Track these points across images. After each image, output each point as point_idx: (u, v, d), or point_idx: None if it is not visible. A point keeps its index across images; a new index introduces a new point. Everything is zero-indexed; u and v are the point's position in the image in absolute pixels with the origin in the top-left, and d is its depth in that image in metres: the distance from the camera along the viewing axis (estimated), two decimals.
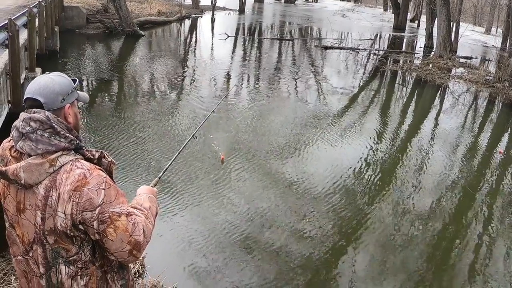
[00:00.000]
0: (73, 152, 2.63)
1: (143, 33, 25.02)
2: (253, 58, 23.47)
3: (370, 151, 11.86)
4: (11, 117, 8.97)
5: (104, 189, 2.55)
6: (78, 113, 2.84)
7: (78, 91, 2.84)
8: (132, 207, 2.82)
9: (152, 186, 3.31)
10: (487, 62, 27.60)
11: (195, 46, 25.60)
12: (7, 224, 2.79)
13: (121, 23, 24.75)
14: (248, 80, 18.60)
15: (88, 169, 2.56)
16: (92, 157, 2.73)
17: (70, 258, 2.68)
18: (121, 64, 18.93)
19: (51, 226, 2.57)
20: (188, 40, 27.20)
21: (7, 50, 8.02)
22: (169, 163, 3.93)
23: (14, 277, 5.61)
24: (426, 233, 8.34)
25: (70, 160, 2.57)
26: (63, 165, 2.55)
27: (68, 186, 2.50)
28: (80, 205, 2.50)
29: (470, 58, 27.30)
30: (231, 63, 21.22)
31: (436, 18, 28.18)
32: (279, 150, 11.01)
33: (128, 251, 2.64)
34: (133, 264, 5.97)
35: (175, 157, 4.03)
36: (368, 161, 11.18)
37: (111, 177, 2.79)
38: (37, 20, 12.19)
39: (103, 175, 2.61)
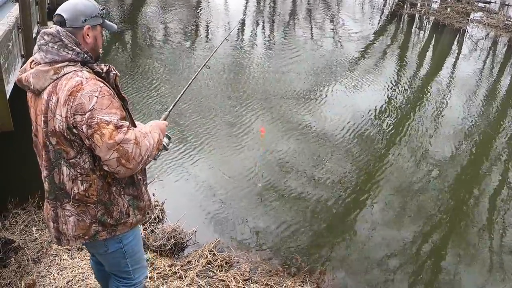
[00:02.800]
0: (79, 64, 2.88)
1: None
2: (268, 3, 23.15)
3: (387, 97, 11.78)
4: None
5: (97, 97, 2.75)
6: (100, 38, 3.09)
7: (105, 20, 3.12)
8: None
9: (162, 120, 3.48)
10: (506, 6, 27.01)
11: None
12: (33, 133, 3.08)
13: None
14: (263, 27, 18.40)
15: (86, 78, 2.79)
16: (100, 70, 2.95)
17: (70, 161, 2.91)
18: (134, 14, 18.78)
19: (52, 128, 2.84)
20: None
21: (17, 3, 7.96)
22: (180, 94, 4.03)
23: (35, 228, 5.70)
24: (444, 178, 8.35)
25: (74, 70, 2.82)
26: (66, 73, 2.81)
27: (65, 91, 2.75)
28: (73, 108, 2.73)
29: (489, 2, 26.64)
30: (245, 9, 20.96)
31: None
32: (295, 96, 11.00)
33: (116, 159, 2.80)
34: (154, 209, 6.04)
35: (186, 88, 4.09)
36: (385, 107, 11.12)
37: (117, 90, 3.02)
38: None
39: (99, 84, 2.81)
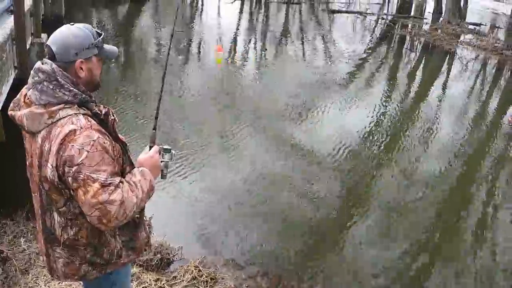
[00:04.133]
0: (76, 106, 2.68)
1: None
2: (260, 21, 23.33)
3: (377, 115, 11.87)
4: (17, 82, 9.02)
5: (88, 151, 2.57)
6: (98, 68, 2.85)
7: (103, 47, 2.85)
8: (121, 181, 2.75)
9: (150, 145, 3.16)
10: (496, 29, 27.34)
11: (202, 10, 25.42)
12: (27, 163, 2.92)
13: None
14: (255, 44, 18.53)
15: (81, 127, 2.60)
16: (99, 112, 2.77)
17: (60, 209, 2.78)
18: (127, 29, 18.82)
19: (44, 174, 2.69)
20: (194, 4, 26.98)
21: (13, 16, 8.04)
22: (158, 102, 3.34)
23: (23, 239, 5.73)
24: (431, 199, 8.41)
25: (69, 115, 2.63)
26: (61, 118, 2.63)
27: (58, 140, 2.58)
28: (63, 158, 2.58)
29: (479, 24, 26.99)
30: (238, 27, 21.11)
31: None
32: (286, 112, 11.07)
33: (97, 218, 2.63)
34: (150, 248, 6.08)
35: (162, 88, 3.41)
36: (375, 125, 11.22)
37: (115, 134, 2.84)
38: None
39: (93, 137, 2.61)
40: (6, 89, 6.97)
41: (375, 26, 24.80)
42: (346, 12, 27.07)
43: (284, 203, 7.54)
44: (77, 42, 2.71)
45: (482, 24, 27.34)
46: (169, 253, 5.81)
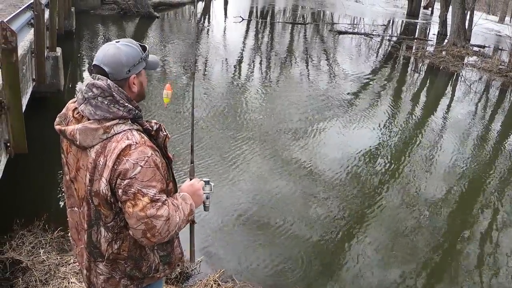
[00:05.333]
0: (130, 122, 2.74)
1: (157, 14, 24.99)
2: (266, 41, 23.44)
3: (381, 137, 11.91)
4: (36, 95, 9.11)
5: (141, 167, 2.63)
6: (146, 80, 2.93)
7: (147, 58, 2.89)
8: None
9: (190, 178, 3.25)
10: (500, 51, 27.54)
11: (210, 29, 25.59)
12: (67, 177, 2.94)
13: (136, 4, 24.62)
14: (260, 64, 18.59)
15: (136, 143, 2.66)
16: (150, 128, 2.83)
17: (108, 224, 2.81)
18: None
19: (96, 189, 2.72)
20: (202, 23, 27.20)
21: (33, 29, 8.17)
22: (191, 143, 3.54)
23: (42, 250, 5.78)
24: (435, 221, 8.41)
25: (124, 130, 2.69)
26: (116, 133, 2.67)
27: (114, 155, 2.62)
28: (117, 171, 2.62)
29: (484, 46, 27.21)
30: (244, 47, 21.21)
31: (451, 6, 28.09)
32: (290, 133, 11.09)
33: (142, 231, 2.69)
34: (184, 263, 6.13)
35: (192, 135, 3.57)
36: (379, 147, 11.24)
37: (165, 150, 2.91)
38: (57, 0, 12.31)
39: (147, 153, 2.67)
40: (25, 101, 7.05)
41: (380, 47, 24.94)
42: (352, 33, 27.23)
43: (286, 223, 7.56)
44: (129, 60, 2.76)
45: (486, 46, 27.56)
46: (187, 267, 5.87)
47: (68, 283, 5.23)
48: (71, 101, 2.91)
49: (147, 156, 2.67)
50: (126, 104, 2.73)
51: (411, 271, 7.03)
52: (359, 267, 6.88)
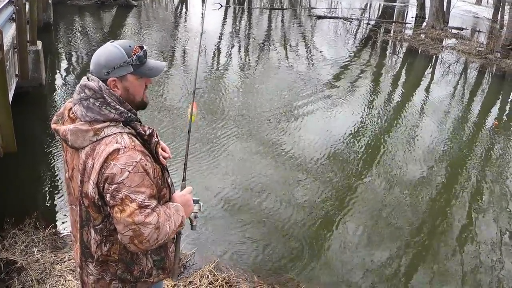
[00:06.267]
0: (121, 124, 2.71)
1: (135, 3, 24.79)
2: (244, 27, 23.39)
3: (361, 120, 11.95)
4: (17, 90, 9.02)
5: (129, 172, 2.60)
6: (137, 87, 2.84)
7: (143, 64, 2.83)
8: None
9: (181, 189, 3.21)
10: (478, 33, 27.73)
11: (188, 16, 25.45)
12: (67, 175, 2.93)
13: None
14: (239, 50, 18.52)
15: (124, 147, 2.63)
16: (143, 132, 2.78)
17: (97, 227, 2.80)
18: (114, 36, 18.70)
19: (85, 190, 2.71)
20: (180, 10, 27.03)
21: (14, 24, 8.06)
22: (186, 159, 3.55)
23: (36, 249, 5.75)
24: (417, 201, 8.49)
25: (114, 133, 2.66)
26: (106, 136, 2.65)
27: (101, 158, 2.60)
28: (104, 175, 2.59)
29: (462, 29, 27.32)
30: (222, 33, 21.12)
31: None
32: (270, 118, 11.08)
33: (129, 237, 2.67)
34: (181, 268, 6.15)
35: (187, 152, 3.65)
36: (359, 130, 11.29)
37: (156, 156, 2.85)
38: None
39: (136, 158, 2.64)
40: (9, 98, 6.98)
41: (358, 31, 24.99)
42: (331, 17, 27.24)
43: (269, 207, 7.60)
44: (108, 62, 2.72)
45: (465, 29, 27.71)
46: (182, 259, 5.89)
47: (65, 281, 5.22)
48: (69, 100, 2.90)
49: (136, 161, 2.63)
50: (118, 106, 2.71)
51: (395, 250, 7.10)
52: (342, 249, 6.96)
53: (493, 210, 8.62)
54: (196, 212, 3.24)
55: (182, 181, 3.30)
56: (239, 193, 7.95)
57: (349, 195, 8.41)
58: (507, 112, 15.25)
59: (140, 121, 2.83)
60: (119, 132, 2.68)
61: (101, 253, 2.87)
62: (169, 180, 3.01)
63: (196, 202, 3.23)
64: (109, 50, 2.73)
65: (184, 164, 3.43)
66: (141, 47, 2.84)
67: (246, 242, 6.78)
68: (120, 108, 2.71)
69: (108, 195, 2.63)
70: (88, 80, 2.74)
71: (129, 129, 2.74)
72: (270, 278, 6.10)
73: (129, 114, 2.74)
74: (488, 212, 8.56)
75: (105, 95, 2.68)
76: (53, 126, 2.85)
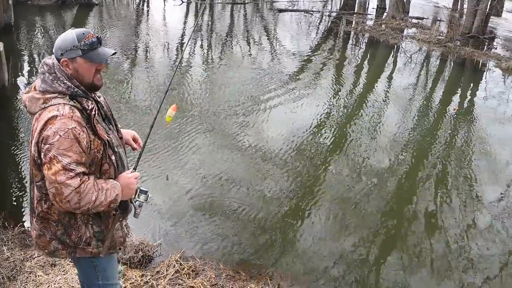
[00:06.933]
0: (68, 98, 3.13)
1: (96, 1, 24.56)
2: (207, 22, 23.36)
3: (326, 111, 12.05)
4: None
5: (60, 136, 2.98)
6: (86, 69, 3.21)
7: (93, 50, 3.20)
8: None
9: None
10: (438, 22, 28.14)
11: (150, 13, 25.33)
12: None
13: None
14: (202, 46, 18.45)
15: (62, 115, 3.03)
16: (86, 107, 3.17)
17: (37, 183, 3.19)
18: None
19: (31, 150, 3.14)
20: (142, 8, 26.89)
21: None
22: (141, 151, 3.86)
23: (5, 247, 5.84)
24: (383, 189, 8.64)
25: (59, 103, 3.08)
26: (52, 105, 3.08)
27: (42, 122, 3.03)
28: (41, 136, 3.02)
29: (422, 18, 27.69)
30: (185, 29, 21.08)
31: None
32: (236, 112, 11.12)
33: (53, 194, 3.03)
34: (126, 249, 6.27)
35: (145, 144, 3.87)
36: (324, 121, 11.39)
37: (96, 130, 3.19)
38: None
39: (69, 125, 3.01)
40: None
41: (320, 23, 25.18)
42: (292, 10, 27.41)
43: (238, 201, 7.67)
44: (62, 44, 3.16)
45: (425, 18, 28.11)
46: (149, 250, 6.07)
47: (35, 276, 5.34)
48: None
49: (68, 128, 3.00)
50: (66, 81, 3.13)
51: (365, 238, 7.21)
52: (313, 237, 7.05)
53: (458, 194, 8.84)
54: (142, 202, 3.53)
55: (134, 169, 3.54)
56: (207, 186, 7.99)
57: (317, 185, 8.50)
58: (468, 98, 15.57)
59: (90, 98, 3.24)
60: (63, 103, 3.09)
61: (41, 209, 3.24)
62: (113, 158, 3.32)
63: (144, 192, 3.54)
64: (65, 35, 3.18)
65: (139, 155, 3.76)
66: (97, 37, 3.24)
67: (214, 233, 6.86)
68: (68, 83, 3.13)
69: (42, 153, 3.03)
70: (48, 59, 3.20)
71: (74, 102, 3.13)
72: (235, 265, 6.23)
73: (75, 90, 3.15)
74: (454, 196, 8.75)
75: (56, 71, 3.13)
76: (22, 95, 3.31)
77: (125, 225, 3.69)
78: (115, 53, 3.39)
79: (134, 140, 3.89)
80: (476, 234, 7.72)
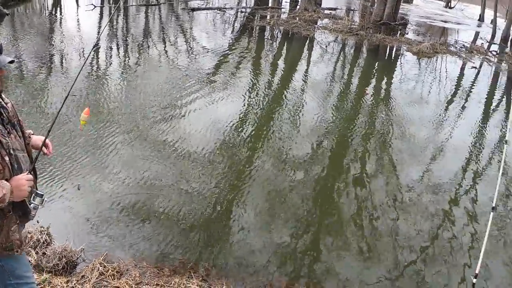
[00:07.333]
0: None
1: (7, 11, 23.90)
2: (122, 26, 23.10)
3: (246, 106, 12.17)
4: None
5: None
6: None
7: None
8: None
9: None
10: (352, 12, 28.87)
11: (63, 20, 24.83)
12: None
13: None
14: (118, 50, 18.15)
15: None
16: None
17: None
18: None
19: None
20: (55, 15, 26.31)
21: None
22: (46, 135, 3.93)
23: None
24: (308, 177, 8.82)
25: None
26: None
27: None
28: None
29: (335, 9, 28.37)
30: (99, 34, 20.68)
31: None
32: (154, 114, 10.94)
33: None
34: (40, 234, 6.23)
35: (44, 140, 3.92)
36: (244, 115, 11.50)
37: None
38: None
39: None
40: None
41: (235, 20, 25.32)
42: (206, 9, 27.46)
43: (167, 203, 7.61)
44: None
45: (338, 8, 28.76)
46: (72, 256, 6.03)
47: None
48: None
49: None
50: None
51: (294, 228, 7.34)
52: (240, 230, 7.13)
53: (382, 176, 9.23)
54: (37, 205, 3.55)
55: (29, 172, 3.53)
56: (130, 188, 7.90)
57: (242, 179, 8.58)
58: (384, 82, 16.14)
59: None
60: None
61: None
62: (6, 159, 3.34)
63: (39, 195, 3.56)
64: None
65: (35, 158, 3.77)
66: None
67: (137, 234, 6.83)
68: None
69: None
70: None
71: None
72: (159, 262, 6.27)
73: None
74: (377, 178, 9.14)
75: None
76: None
77: (25, 230, 3.76)
78: (13, 61, 3.48)
79: (46, 145, 3.90)
80: (403, 213, 8.04)
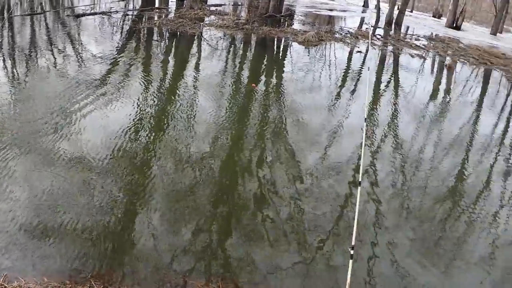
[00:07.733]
0: None
1: None
2: (7, 38, 22.38)
3: (139, 110, 12.15)
4: None
5: None
6: None
7: None
8: None
9: None
10: (239, 7, 29.22)
11: None
12: None
13: None
14: (4, 63, 17.46)
15: None
16: None
17: None
18: None
19: None
20: None
21: None
22: None
23: None
24: (209, 174, 9.03)
25: None
26: None
27: None
28: None
29: (221, 5, 28.64)
30: None
31: None
32: (43, 126, 10.57)
33: None
34: None
35: None
36: (139, 119, 11.48)
37: None
38: None
39: None
40: None
41: (122, 24, 25.04)
42: (89, 14, 26.96)
43: (71, 218, 7.50)
44: None
45: (224, 4, 29.03)
46: None
47: None
48: None
49: None
50: None
51: (200, 225, 7.53)
52: (150, 237, 7.20)
53: (281, 164, 9.61)
54: None
55: None
56: (29, 208, 7.66)
57: (143, 184, 8.60)
58: (275, 74, 16.49)
59: None
60: None
61: None
62: None
63: None
64: None
65: None
66: None
67: (38, 252, 6.70)
68: None
69: None
70: None
71: None
72: (61, 276, 6.24)
73: None
74: (277, 167, 9.50)
75: None
76: None
77: None
78: None
79: None
80: (306, 197, 8.48)
